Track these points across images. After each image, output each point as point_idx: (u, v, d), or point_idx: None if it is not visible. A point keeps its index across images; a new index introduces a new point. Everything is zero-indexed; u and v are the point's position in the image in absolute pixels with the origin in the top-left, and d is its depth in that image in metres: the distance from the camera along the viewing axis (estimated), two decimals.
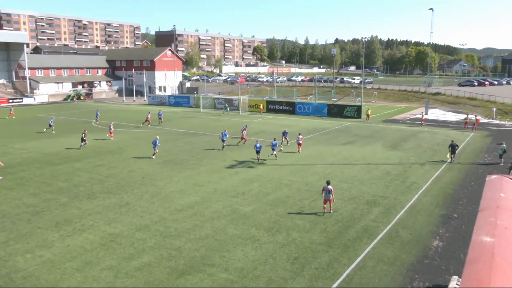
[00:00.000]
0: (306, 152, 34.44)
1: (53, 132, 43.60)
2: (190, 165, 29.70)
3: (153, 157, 31.78)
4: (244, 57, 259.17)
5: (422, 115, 52.18)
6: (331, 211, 20.34)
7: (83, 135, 35.90)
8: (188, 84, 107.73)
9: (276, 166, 29.52)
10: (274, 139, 33.08)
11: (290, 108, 62.94)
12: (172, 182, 25.46)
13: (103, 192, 23.44)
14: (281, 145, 36.13)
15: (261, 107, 63.46)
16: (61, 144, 37.31)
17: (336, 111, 59.08)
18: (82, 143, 35.48)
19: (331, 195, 20.00)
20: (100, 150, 34.82)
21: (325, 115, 59.56)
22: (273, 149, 31.52)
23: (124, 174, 27.26)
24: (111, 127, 40.50)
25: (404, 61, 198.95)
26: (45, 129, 44.67)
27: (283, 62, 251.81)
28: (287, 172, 28.07)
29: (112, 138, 39.58)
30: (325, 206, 20.13)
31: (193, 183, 25.36)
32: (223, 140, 34.67)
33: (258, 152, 30.65)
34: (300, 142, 34.01)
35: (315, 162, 30.90)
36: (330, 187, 20.07)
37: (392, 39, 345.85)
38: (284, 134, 36.99)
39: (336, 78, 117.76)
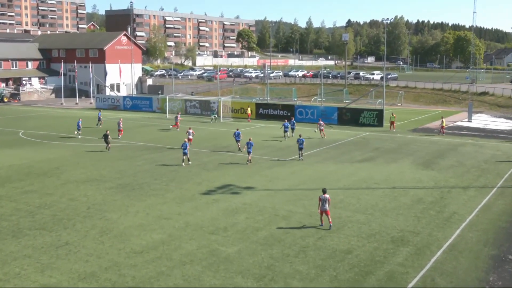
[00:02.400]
0: (309, 172, 34.57)
1: (79, 137, 48.15)
2: (153, 191, 29.62)
3: (189, 162, 36.38)
4: (226, 44, 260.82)
5: (442, 121, 52.04)
6: (331, 223, 22.99)
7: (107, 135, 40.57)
8: (150, 81, 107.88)
9: (270, 192, 29.55)
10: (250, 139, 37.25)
11: (288, 113, 63.09)
12: (128, 214, 25.33)
13: (34, 229, 23.22)
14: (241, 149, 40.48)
15: (249, 111, 63.75)
16: None
17: (350, 117, 59.59)
18: (109, 145, 40.62)
19: (327, 205, 22.89)
20: (29, 170, 34.57)
21: (335, 122, 60.01)
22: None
23: (62, 204, 27.07)
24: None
25: (439, 51, 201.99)
26: (79, 136, 48.26)
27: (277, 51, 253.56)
28: (284, 199, 28.11)
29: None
30: (322, 218, 23.11)
31: (157, 215, 25.27)
32: (237, 141, 40.98)
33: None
34: (322, 128, 47.00)
35: (322, 186, 30.85)
36: (327, 195, 23.01)
37: (423, 21, 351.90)
38: (237, 135, 41.25)
39: (350, 73, 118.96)
